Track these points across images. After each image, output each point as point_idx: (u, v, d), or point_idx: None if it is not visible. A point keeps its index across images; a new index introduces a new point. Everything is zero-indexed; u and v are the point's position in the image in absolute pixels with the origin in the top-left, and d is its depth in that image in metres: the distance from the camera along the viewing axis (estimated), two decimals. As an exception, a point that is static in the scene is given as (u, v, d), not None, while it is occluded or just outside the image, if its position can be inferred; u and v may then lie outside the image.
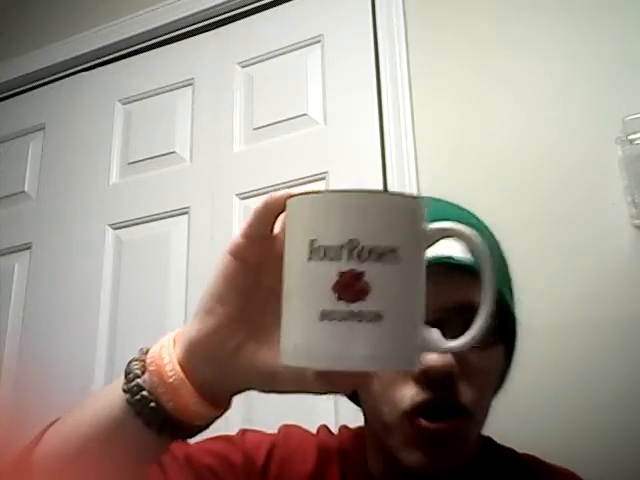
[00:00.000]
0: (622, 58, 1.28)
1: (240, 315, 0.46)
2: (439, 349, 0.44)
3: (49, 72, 2.00)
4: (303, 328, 0.40)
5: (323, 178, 1.50)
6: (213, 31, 1.81)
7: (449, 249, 0.60)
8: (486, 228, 0.70)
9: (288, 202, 0.43)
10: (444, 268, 0.58)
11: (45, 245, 1.81)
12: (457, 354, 0.56)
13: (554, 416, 1.13)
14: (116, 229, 1.73)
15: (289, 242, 0.42)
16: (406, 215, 0.41)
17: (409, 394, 0.59)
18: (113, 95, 1.88)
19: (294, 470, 0.67)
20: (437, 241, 0.43)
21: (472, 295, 0.57)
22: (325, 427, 0.75)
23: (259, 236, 0.45)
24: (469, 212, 0.71)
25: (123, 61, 1.92)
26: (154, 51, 1.88)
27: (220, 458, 0.66)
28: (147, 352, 0.51)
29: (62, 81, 1.99)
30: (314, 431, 0.74)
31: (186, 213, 1.65)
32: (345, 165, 1.49)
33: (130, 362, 0.52)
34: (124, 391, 0.49)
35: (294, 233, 0.42)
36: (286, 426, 0.74)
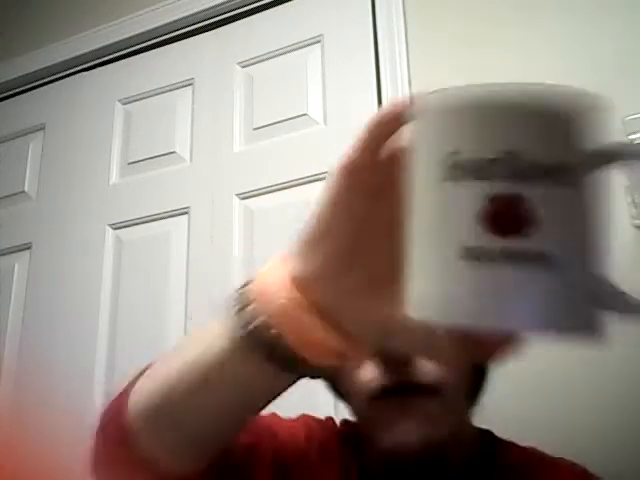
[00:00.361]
0: (622, 58, 1.28)
1: (353, 250, 0.37)
2: (636, 312, 0.32)
3: (49, 72, 2.00)
4: (437, 271, 0.30)
5: (323, 178, 1.50)
6: (213, 31, 1.81)
7: None
8: None
9: (417, 105, 0.33)
10: None
11: (45, 245, 1.81)
12: None
13: (556, 414, 1.13)
14: (116, 229, 1.73)
15: (418, 158, 0.32)
16: (584, 119, 0.31)
17: (369, 378, 0.59)
18: (113, 95, 1.88)
19: (326, 467, 0.67)
20: (624, 160, 0.31)
21: None
22: (332, 419, 0.75)
23: (377, 150, 0.36)
24: None
25: (123, 61, 1.92)
26: (154, 51, 1.88)
27: (292, 435, 0.67)
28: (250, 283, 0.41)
29: (62, 81, 1.99)
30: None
31: (186, 213, 1.65)
32: (345, 165, 1.48)
33: (235, 292, 0.41)
34: (233, 322, 0.40)
35: (424, 143, 0.32)
36: (307, 417, 0.74)
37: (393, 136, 0.35)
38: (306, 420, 0.73)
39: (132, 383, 0.49)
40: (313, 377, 0.41)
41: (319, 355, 0.38)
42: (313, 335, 0.37)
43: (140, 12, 1.88)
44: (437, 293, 0.30)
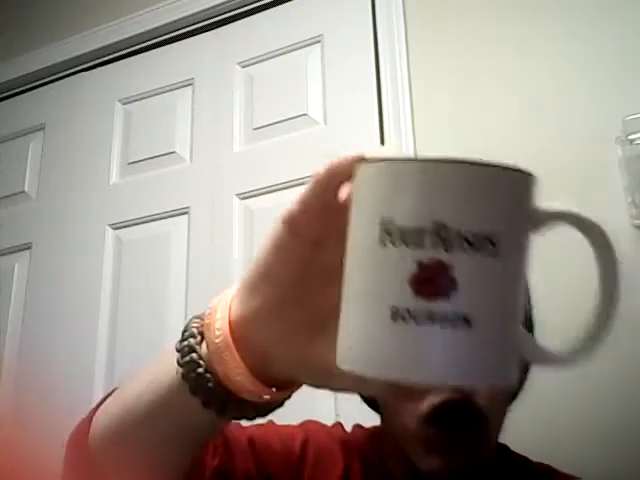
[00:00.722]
0: (622, 58, 1.28)
1: (290, 297, 0.39)
2: (547, 361, 0.35)
3: (49, 72, 1.99)
4: (369, 329, 0.32)
5: (323, 178, 1.50)
6: (213, 31, 1.81)
7: None
8: None
9: (358, 168, 0.35)
10: None
11: (45, 245, 1.81)
12: None
13: (557, 415, 1.13)
14: (116, 229, 1.73)
15: (355, 219, 0.34)
16: (510, 193, 0.33)
17: (426, 397, 0.58)
18: (113, 95, 1.88)
19: (325, 469, 0.67)
20: (548, 228, 0.35)
21: None
22: (340, 424, 0.75)
23: (318, 205, 0.38)
24: None
25: (123, 61, 1.92)
26: (154, 51, 1.88)
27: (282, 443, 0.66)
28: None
29: (62, 81, 1.98)
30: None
31: (186, 213, 1.65)
32: (345, 165, 1.48)
33: (191, 319, 0.44)
34: (176, 349, 0.42)
35: (362, 208, 0.34)
36: (311, 422, 0.73)
37: (336, 190, 0.37)
38: (308, 426, 0.72)
39: (95, 409, 0.51)
40: (253, 417, 0.43)
41: (245, 395, 0.40)
42: (235, 378, 0.39)
43: (140, 12, 1.87)
44: (367, 349, 0.32)
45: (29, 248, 1.83)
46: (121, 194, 1.76)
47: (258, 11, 1.75)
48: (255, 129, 1.65)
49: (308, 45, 1.65)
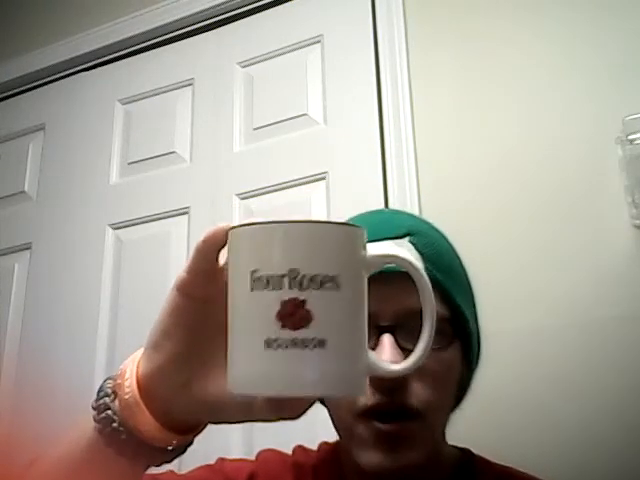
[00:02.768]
0: (622, 58, 1.28)
1: (188, 350, 0.46)
2: (385, 373, 0.45)
3: (49, 72, 2.00)
4: (249, 357, 0.41)
5: (323, 178, 1.50)
6: (213, 31, 1.81)
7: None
8: (444, 239, 0.71)
9: (230, 233, 0.44)
10: (396, 275, 0.57)
11: (45, 245, 1.81)
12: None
13: (556, 416, 1.13)
14: (116, 229, 1.73)
15: (232, 273, 0.43)
16: (345, 244, 0.42)
17: (362, 397, 0.60)
18: (113, 95, 1.88)
19: None
20: (380, 267, 0.44)
21: None
22: (300, 447, 0.76)
23: (202, 270, 0.45)
24: (427, 223, 0.72)
25: (123, 61, 1.92)
26: (154, 51, 1.88)
27: None
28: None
29: (62, 81, 1.99)
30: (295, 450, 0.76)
31: (186, 213, 1.65)
32: (345, 165, 1.49)
33: (105, 380, 0.51)
34: (92, 408, 0.50)
35: (236, 264, 0.43)
36: (264, 451, 0.76)
37: (215, 255, 0.45)
38: (262, 456, 0.75)
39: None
40: (162, 463, 0.49)
41: (155, 442, 0.47)
42: (144, 428, 0.46)
43: (140, 12, 1.88)
44: (250, 373, 0.41)
45: (29, 248, 1.83)
46: (121, 194, 1.76)
47: (258, 11, 1.75)
48: (255, 129, 1.65)
49: (308, 45, 1.65)
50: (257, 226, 0.43)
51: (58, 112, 1.95)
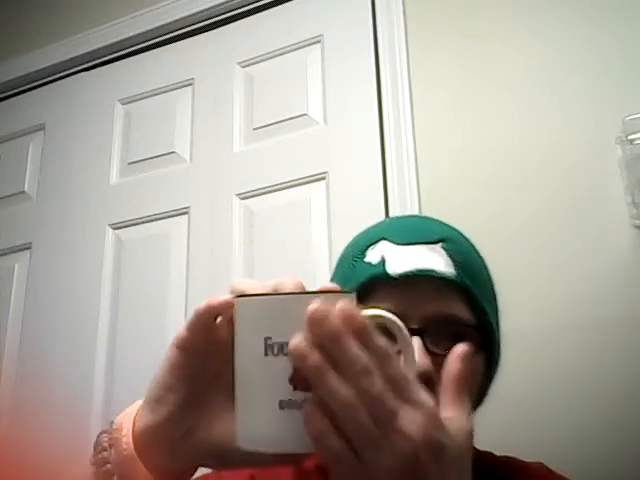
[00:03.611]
0: (622, 58, 1.28)
1: (190, 400, 0.49)
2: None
3: (49, 72, 2.00)
4: (263, 417, 0.44)
5: (323, 178, 1.50)
6: (213, 31, 1.81)
7: (432, 262, 0.63)
8: (473, 247, 0.72)
9: (237, 302, 0.46)
10: (427, 279, 0.59)
11: (45, 245, 1.81)
12: (437, 361, 0.57)
13: (558, 415, 1.13)
14: (116, 229, 1.73)
15: (241, 339, 0.46)
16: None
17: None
18: (113, 95, 1.88)
19: None
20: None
21: (452, 307, 0.62)
22: None
23: (202, 329, 0.48)
24: (458, 231, 0.72)
25: (123, 61, 1.92)
26: (154, 51, 1.88)
27: None
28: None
29: (62, 81, 1.99)
30: None
31: (186, 213, 1.65)
32: (345, 165, 1.49)
33: (100, 434, 0.52)
34: (91, 463, 0.51)
35: (246, 330, 0.46)
36: None
37: (213, 317, 0.48)
38: None
39: None
40: None
41: None
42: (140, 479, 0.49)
43: (140, 12, 1.88)
44: (265, 432, 0.44)
45: (29, 248, 1.83)
46: (121, 194, 1.76)
47: (258, 11, 1.75)
48: (255, 129, 1.65)
49: (308, 45, 1.65)
50: (267, 298, 0.46)
51: (58, 112, 1.95)
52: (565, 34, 1.35)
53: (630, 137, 1.18)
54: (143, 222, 1.70)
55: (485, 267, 0.71)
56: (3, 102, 2.08)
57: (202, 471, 0.66)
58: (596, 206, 1.22)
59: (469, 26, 1.45)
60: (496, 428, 1.11)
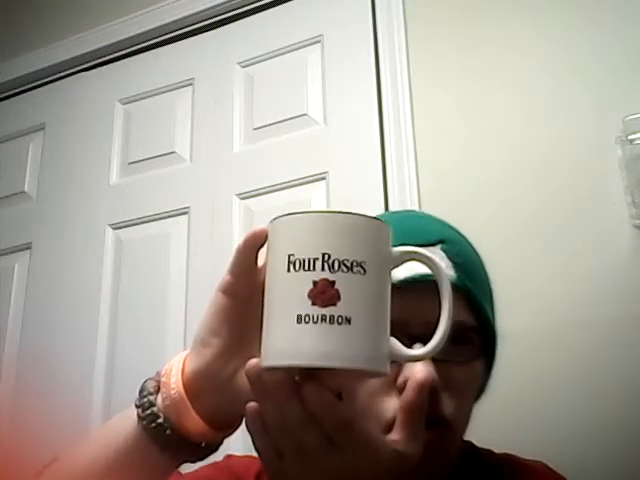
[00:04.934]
0: (622, 58, 1.28)
1: (234, 344, 0.50)
2: (405, 357, 0.48)
3: (49, 72, 1.99)
4: (281, 331, 0.45)
5: (323, 178, 1.50)
6: (213, 31, 1.81)
7: None
8: (470, 246, 0.71)
9: (270, 225, 0.48)
10: (427, 284, 0.57)
11: (45, 245, 1.81)
12: (440, 368, 0.57)
13: (558, 414, 1.13)
14: (116, 229, 1.73)
15: (270, 258, 0.47)
16: (373, 235, 0.47)
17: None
18: (113, 95, 1.88)
19: None
20: (403, 262, 0.49)
21: (456, 312, 0.60)
22: None
23: (244, 271, 0.50)
24: (455, 230, 0.72)
25: (123, 61, 1.92)
26: (154, 51, 1.88)
27: None
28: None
29: (62, 81, 1.98)
30: None
31: (186, 213, 1.65)
32: (345, 165, 1.49)
33: (145, 381, 0.54)
34: (136, 406, 0.52)
35: (275, 249, 0.47)
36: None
37: (254, 255, 0.50)
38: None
39: (40, 472, 0.56)
40: (193, 460, 0.53)
41: (196, 438, 0.50)
42: (189, 424, 0.50)
43: (140, 12, 1.87)
44: (281, 346, 0.45)
45: (29, 248, 1.83)
46: (121, 194, 1.76)
47: (258, 11, 1.75)
48: (255, 129, 1.65)
49: (308, 45, 1.65)
50: (295, 215, 0.47)
51: (58, 112, 1.95)
52: (565, 34, 1.35)
53: (630, 137, 1.18)
54: (143, 222, 1.70)
55: (482, 266, 0.70)
56: (3, 102, 2.07)
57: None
58: (596, 206, 1.22)
59: (469, 26, 1.45)
60: (496, 427, 1.11)
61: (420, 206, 1.36)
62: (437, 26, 1.49)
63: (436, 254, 0.62)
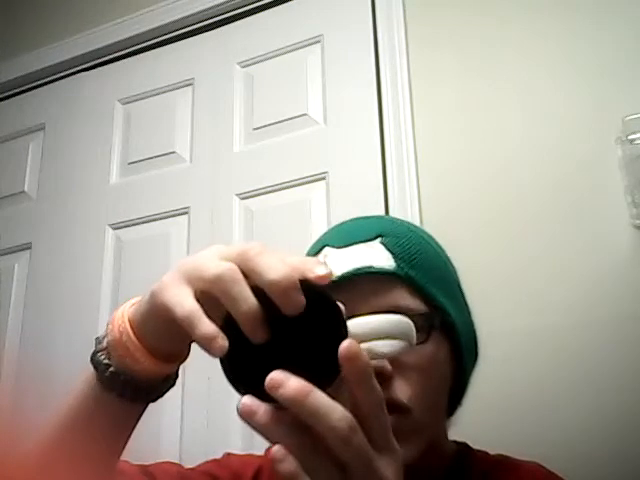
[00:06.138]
0: (622, 58, 1.28)
1: None
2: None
3: (49, 72, 2.00)
4: None
5: (323, 178, 1.50)
6: (213, 31, 1.81)
7: (370, 259, 0.64)
8: (423, 239, 0.72)
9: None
10: (368, 277, 0.61)
11: (45, 245, 1.81)
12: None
13: (558, 414, 1.13)
14: (116, 229, 1.73)
15: None
16: None
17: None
18: (113, 95, 1.88)
19: None
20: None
21: (397, 299, 0.63)
22: None
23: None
24: (402, 223, 0.73)
25: (123, 61, 1.92)
26: (154, 51, 1.88)
27: (209, 476, 0.70)
28: None
29: (62, 81, 1.99)
30: None
31: (186, 213, 1.65)
32: (345, 165, 1.49)
33: (96, 337, 0.55)
34: (90, 357, 0.54)
35: None
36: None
37: None
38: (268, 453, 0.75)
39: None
40: (153, 400, 0.54)
41: (147, 373, 0.51)
42: (139, 362, 0.50)
43: (140, 12, 1.88)
44: None
45: (29, 248, 1.83)
46: (121, 194, 1.76)
47: (258, 11, 1.75)
48: (255, 129, 1.65)
49: (308, 45, 1.65)
50: None
51: (58, 112, 1.95)
52: (565, 34, 1.35)
53: (630, 137, 1.18)
54: (143, 222, 1.70)
55: (438, 254, 0.71)
56: (3, 102, 2.08)
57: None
58: (596, 206, 1.22)
59: (469, 26, 1.45)
60: (496, 428, 1.12)
61: (420, 206, 1.36)
62: (437, 26, 1.49)
63: (375, 247, 0.65)
